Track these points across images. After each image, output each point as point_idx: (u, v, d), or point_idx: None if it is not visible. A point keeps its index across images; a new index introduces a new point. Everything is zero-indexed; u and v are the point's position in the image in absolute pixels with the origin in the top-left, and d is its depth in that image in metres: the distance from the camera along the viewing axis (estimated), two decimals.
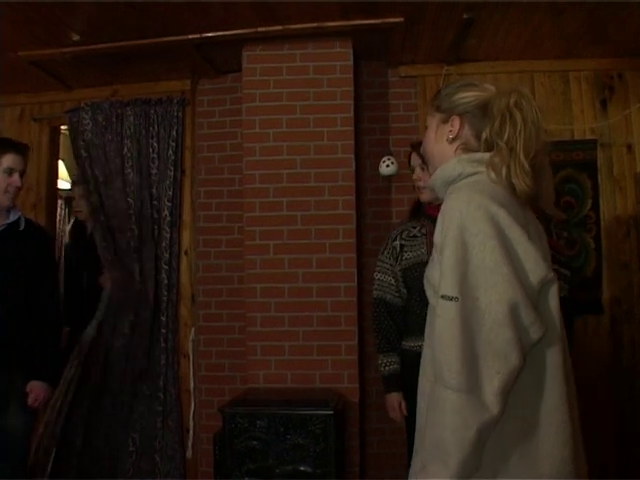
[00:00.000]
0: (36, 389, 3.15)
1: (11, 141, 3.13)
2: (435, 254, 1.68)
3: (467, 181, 1.71)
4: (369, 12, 3.68)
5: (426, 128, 1.94)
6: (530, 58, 4.34)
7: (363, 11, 3.67)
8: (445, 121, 1.84)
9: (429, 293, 1.74)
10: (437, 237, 1.66)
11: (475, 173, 1.71)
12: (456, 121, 1.80)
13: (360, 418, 3.98)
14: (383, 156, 4.18)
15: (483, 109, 1.76)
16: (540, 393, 1.56)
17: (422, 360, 1.78)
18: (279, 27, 3.85)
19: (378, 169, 4.18)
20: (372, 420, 4.12)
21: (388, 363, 3.16)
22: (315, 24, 3.82)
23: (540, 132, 1.72)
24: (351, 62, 4.08)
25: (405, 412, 3.10)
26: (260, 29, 3.87)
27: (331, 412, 3.41)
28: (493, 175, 1.67)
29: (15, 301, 3.17)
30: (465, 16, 3.61)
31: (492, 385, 1.44)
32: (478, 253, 1.51)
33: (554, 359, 1.59)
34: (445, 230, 1.58)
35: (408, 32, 3.86)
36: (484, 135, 1.74)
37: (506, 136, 1.68)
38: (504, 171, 1.65)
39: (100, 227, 4.44)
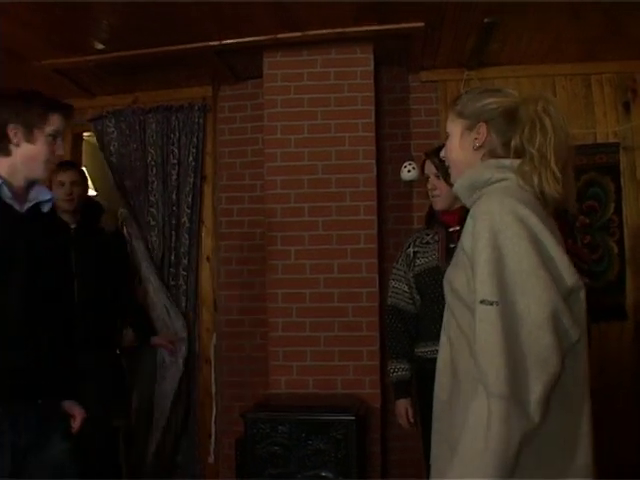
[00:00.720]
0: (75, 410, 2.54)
1: (57, 100, 2.50)
2: (462, 257, 1.66)
3: (497, 186, 1.69)
4: (390, 18, 3.67)
5: (447, 134, 1.91)
6: (552, 62, 4.30)
7: (384, 17, 3.67)
8: (470, 128, 1.80)
9: (449, 297, 1.73)
10: (467, 241, 1.63)
11: (504, 179, 1.69)
12: (483, 128, 1.77)
13: (382, 424, 3.97)
14: (404, 161, 4.18)
15: (509, 116, 1.75)
16: (569, 400, 1.54)
17: (438, 363, 1.77)
18: (299, 33, 3.87)
19: (399, 174, 4.18)
20: (394, 426, 4.09)
21: (397, 369, 3.16)
22: (335, 30, 3.83)
23: (568, 138, 1.71)
24: (372, 67, 4.08)
25: (412, 419, 3.11)
26: (280, 35, 3.88)
27: (353, 418, 3.41)
28: (522, 182, 1.66)
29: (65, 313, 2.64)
30: (486, 20, 3.59)
31: (535, 393, 1.42)
32: (514, 256, 1.50)
33: (582, 367, 1.58)
34: (477, 234, 1.57)
35: (429, 37, 3.86)
36: (513, 142, 1.72)
37: (537, 143, 1.66)
38: (535, 179, 1.64)
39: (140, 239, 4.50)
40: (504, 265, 1.51)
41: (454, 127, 1.86)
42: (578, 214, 4.08)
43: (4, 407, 2.14)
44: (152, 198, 4.49)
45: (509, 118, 1.75)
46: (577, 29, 3.75)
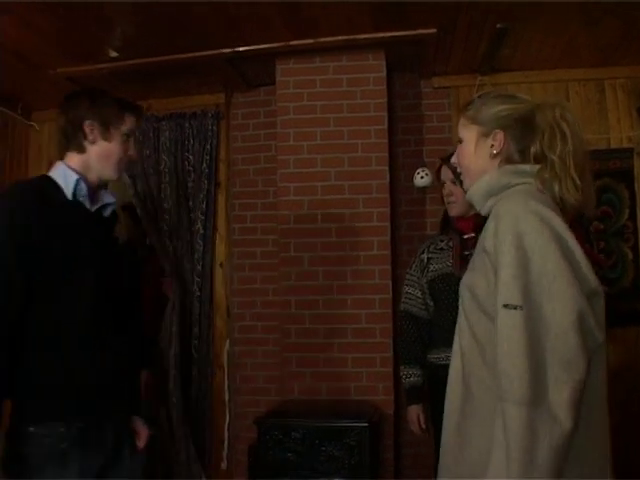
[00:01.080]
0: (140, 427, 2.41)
1: (131, 101, 2.45)
2: (482, 260, 1.64)
3: (517, 188, 1.68)
4: (402, 24, 3.67)
5: (460, 140, 1.89)
6: (565, 67, 4.30)
7: (395, 23, 3.67)
8: (486, 135, 1.78)
9: (466, 302, 1.70)
10: (489, 242, 1.60)
11: (522, 184, 1.68)
12: (500, 135, 1.75)
13: (395, 430, 3.96)
14: (417, 167, 4.18)
15: (526, 122, 1.73)
16: (591, 405, 1.52)
17: (450, 372, 1.74)
18: (311, 40, 3.88)
19: (412, 181, 4.18)
20: (407, 432, 4.07)
21: (409, 375, 3.16)
22: (347, 37, 3.84)
23: (584, 144, 1.70)
24: (384, 74, 4.09)
25: (423, 425, 3.11)
26: (292, 42, 3.89)
27: (366, 424, 3.41)
28: (541, 187, 1.65)
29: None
30: (499, 26, 3.59)
31: (562, 397, 1.40)
32: (538, 259, 1.48)
33: (602, 370, 1.57)
34: (500, 235, 1.55)
35: (441, 43, 3.86)
36: (533, 149, 1.71)
37: (559, 150, 1.65)
38: (556, 187, 1.64)
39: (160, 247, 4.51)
40: (529, 267, 1.49)
41: (468, 133, 1.84)
42: (593, 220, 4.07)
43: (81, 423, 2.02)
44: (165, 205, 4.51)
45: (525, 125, 1.73)
46: (591, 34, 3.75)
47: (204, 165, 4.51)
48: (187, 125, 4.57)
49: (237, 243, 4.61)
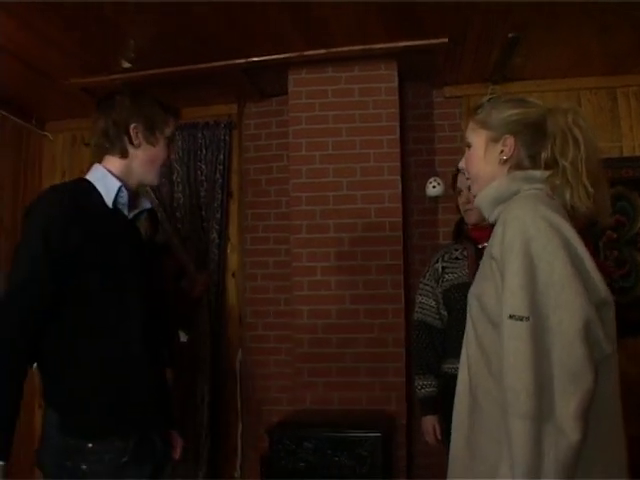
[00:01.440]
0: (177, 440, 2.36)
1: (169, 103, 2.29)
2: (490, 267, 1.61)
3: (526, 193, 1.63)
4: (413, 33, 3.68)
5: (468, 145, 1.84)
6: (577, 75, 4.29)
7: (407, 32, 3.68)
8: (495, 140, 1.74)
9: (474, 311, 1.67)
10: (496, 248, 1.56)
11: (532, 190, 1.64)
12: (510, 141, 1.71)
13: (407, 441, 3.94)
14: (429, 177, 4.18)
15: (537, 127, 1.69)
16: (600, 416, 1.49)
17: (457, 384, 1.72)
18: (323, 50, 3.89)
19: (424, 190, 4.18)
20: (420, 443, 4.06)
21: (424, 385, 3.14)
22: (359, 46, 3.85)
23: (597, 151, 1.67)
24: (396, 84, 4.10)
25: (439, 436, 3.08)
26: (305, 53, 3.90)
27: (379, 434, 3.40)
28: (551, 193, 1.63)
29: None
30: (510, 35, 3.59)
31: (568, 409, 1.38)
32: (546, 266, 1.45)
33: (613, 382, 1.54)
34: (508, 241, 1.51)
35: (452, 52, 3.87)
36: (544, 155, 1.67)
37: (571, 156, 1.61)
38: (567, 194, 1.61)
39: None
40: (536, 276, 1.45)
41: (477, 138, 1.80)
42: (606, 229, 4.05)
43: (136, 437, 1.97)
44: (178, 214, 4.53)
45: (536, 130, 1.69)
46: (603, 42, 3.74)
47: (217, 175, 4.53)
48: (200, 135, 4.59)
49: (249, 253, 4.62)
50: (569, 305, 1.41)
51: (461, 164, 1.91)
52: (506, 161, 1.72)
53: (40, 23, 3.31)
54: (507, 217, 1.56)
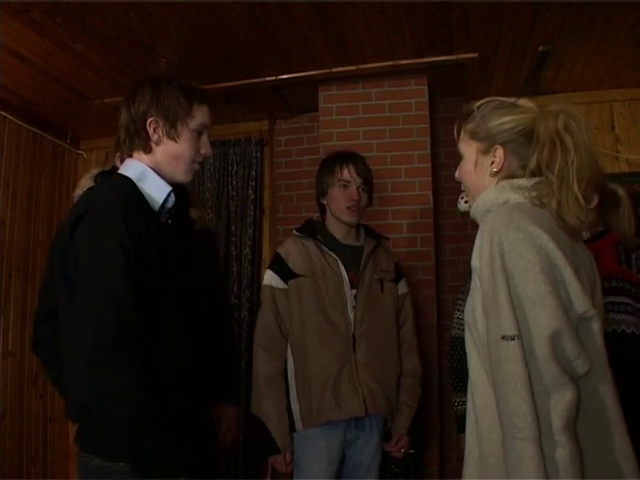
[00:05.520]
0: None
1: (202, 88, 2.07)
2: (474, 280, 1.53)
3: (507, 204, 1.56)
4: (443, 49, 3.69)
5: (461, 156, 1.76)
6: (608, 87, 4.26)
7: (437, 48, 3.69)
8: (485, 152, 1.66)
9: (465, 328, 1.59)
10: (475, 261, 1.51)
11: (520, 199, 1.57)
12: (500, 152, 1.63)
13: (440, 457, 3.92)
14: (460, 192, 4.14)
15: (528, 135, 1.60)
16: (601, 438, 1.45)
17: (469, 416, 1.61)
18: (353, 67, 3.92)
19: (455, 205, 4.16)
20: (452, 460, 4.04)
21: (462, 402, 3.11)
22: (389, 63, 3.86)
23: (593, 156, 1.56)
24: (426, 99, 4.10)
25: None
26: (335, 69, 3.93)
27: (411, 451, 3.37)
28: (538, 202, 1.54)
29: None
30: (541, 49, 3.59)
31: (555, 422, 1.34)
32: (520, 282, 1.39)
33: (610, 400, 1.48)
34: (483, 257, 1.46)
35: (483, 67, 3.87)
36: (531, 165, 1.58)
37: (557, 167, 1.52)
38: (554, 204, 1.51)
39: None
40: (512, 291, 1.40)
41: (468, 149, 1.72)
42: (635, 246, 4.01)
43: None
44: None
45: (528, 137, 1.60)
46: (636, 53, 3.71)
47: (249, 191, 4.56)
48: (231, 152, 4.64)
49: None
50: (540, 322, 1.36)
51: (456, 174, 1.82)
52: (497, 173, 1.64)
53: (79, 47, 3.41)
54: (484, 229, 1.50)
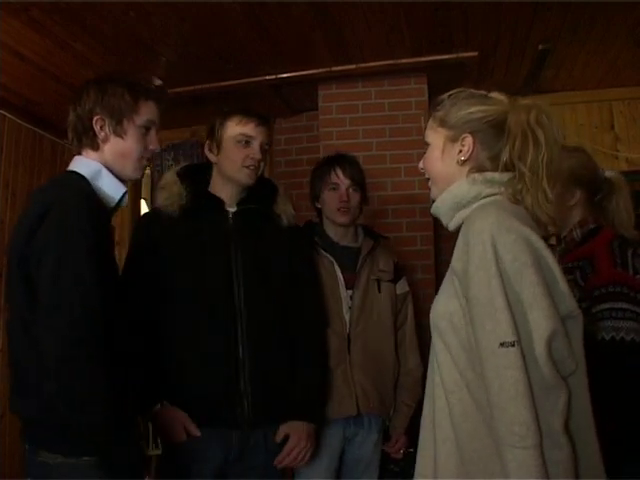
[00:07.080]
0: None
1: (148, 84, 2.10)
2: (453, 284, 1.50)
3: (488, 200, 1.54)
4: (443, 47, 3.70)
5: (427, 143, 1.72)
6: (608, 86, 4.27)
7: (437, 47, 3.70)
8: (454, 139, 1.62)
9: (447, 335, 1.51)
10: (458, 264, 1.47)
11: (494, 194, 1.54)
12: (468, 140, 1.59)
13: None
14: None
15: (498, 126, 1.57)
16: (586, 438, 1.44)
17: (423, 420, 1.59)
18: (353, 66, 3.92)
19: None
20: None
21: None
22: (389, 62, 3.87)
23: (561, 153, 1.57)
24: (426, 97, 4.09)
25: None
26: (334, 68, 3.93)
27: (410, 450, 3.35)
28: (513, 199, 1.53)
29: None
30: (541, 47, 3.59)
31: (555, 425, 1.33)
32: (516, 284, 1.36)
33: (587, 400, 1.46)
34: (474, 259, 1.41)
35: (482, 66, 3.87)
36: (503, 157, 1.55)
37: (529, 159, 1.50)
38: (528, 199, 1.50)
39: None
40: (510, 295, 1.36)
41: (435, 137, 1.68)
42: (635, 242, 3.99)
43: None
44: None
45: (497, 129, 1.57)
46: (636, 53, 3.73)
47: None
48: None
49: None
50: (536, 324, 1.34)
51: (420, 164, 1.76)
52: (465, 162, 1.61)
53: (79, 46, 3.41)
54: (470, 230, 1.45)
